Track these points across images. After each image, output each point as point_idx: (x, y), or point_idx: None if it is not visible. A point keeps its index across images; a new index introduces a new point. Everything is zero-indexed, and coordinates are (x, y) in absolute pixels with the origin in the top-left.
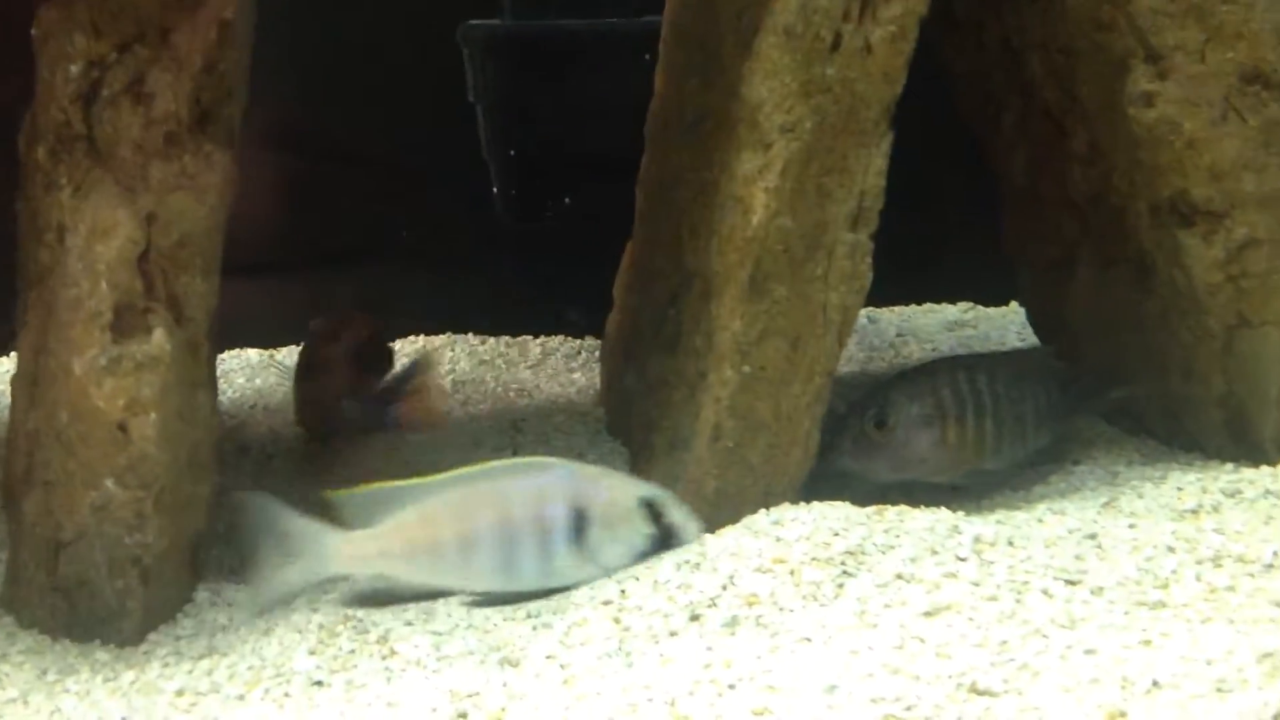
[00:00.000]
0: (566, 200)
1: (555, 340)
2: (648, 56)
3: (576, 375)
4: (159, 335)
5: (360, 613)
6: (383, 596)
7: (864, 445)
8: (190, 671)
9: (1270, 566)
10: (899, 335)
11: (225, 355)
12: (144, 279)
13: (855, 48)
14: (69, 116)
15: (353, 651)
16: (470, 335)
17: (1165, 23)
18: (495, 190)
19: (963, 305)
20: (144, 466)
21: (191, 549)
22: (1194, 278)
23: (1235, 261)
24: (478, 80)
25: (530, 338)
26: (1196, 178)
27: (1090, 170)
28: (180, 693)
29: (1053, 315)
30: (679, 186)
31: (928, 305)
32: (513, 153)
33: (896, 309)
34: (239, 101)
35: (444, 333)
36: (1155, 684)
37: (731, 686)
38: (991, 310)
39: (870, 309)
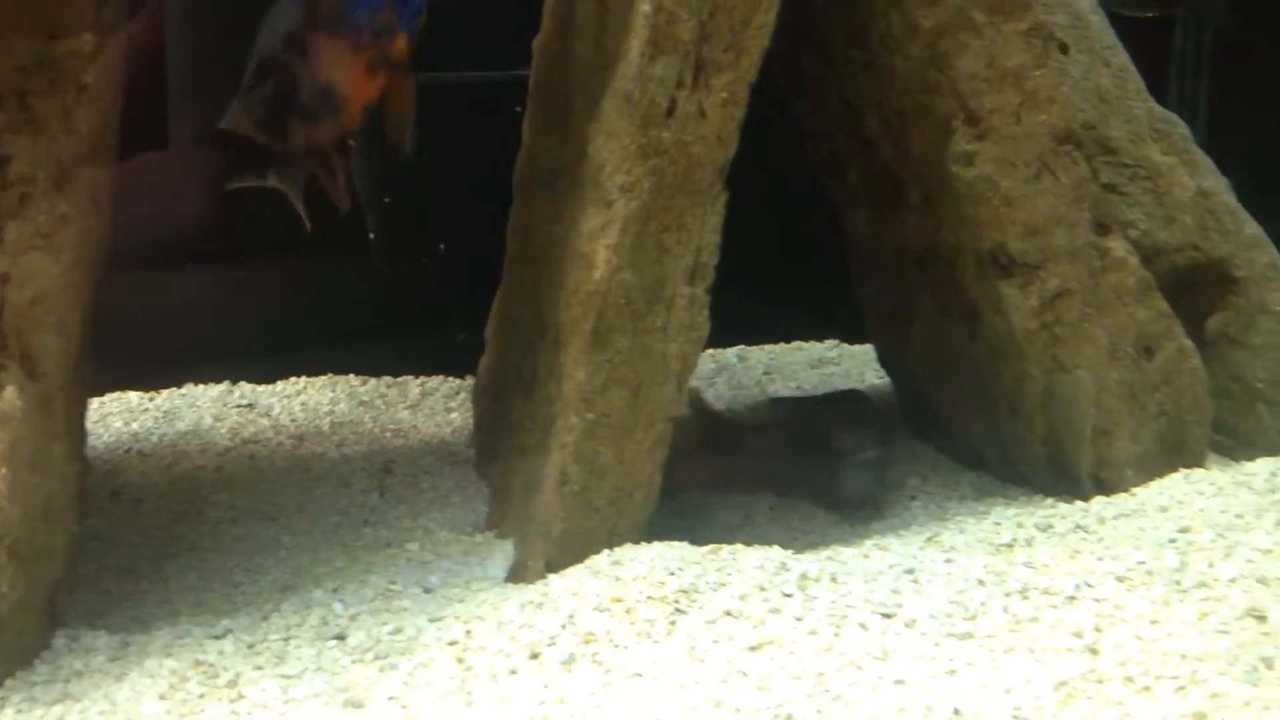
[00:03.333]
0: (441, 245)
1: (436, 380)
2: (517, 109)
3: (454, 415)
4: (9, 392)
5: (213, 657)
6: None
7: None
8: (43, 717)
9: (1072, 598)
10: (765, 373)
11: (106, 398)
12: None
13: (690, 113)
14: None
15: (202, 696)
16: (351, 376)
17: (983, 87)
18: (370, 236)
19: (829, 342)
20: None
21: (48, 597)
22: (1014, 325)
23: (1049, 310)
24: None
25: (411, 378)
26: (1013, 232)
27: (924, 223)
28: None
29: (897, 356)
30: (538, 237)
31: (796, 343)
32: (386, 199)
33: (766, 347)
34: (102, 159)
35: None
36: (956, 712)
37: None
38: (855, 348)
39: (741, 347)
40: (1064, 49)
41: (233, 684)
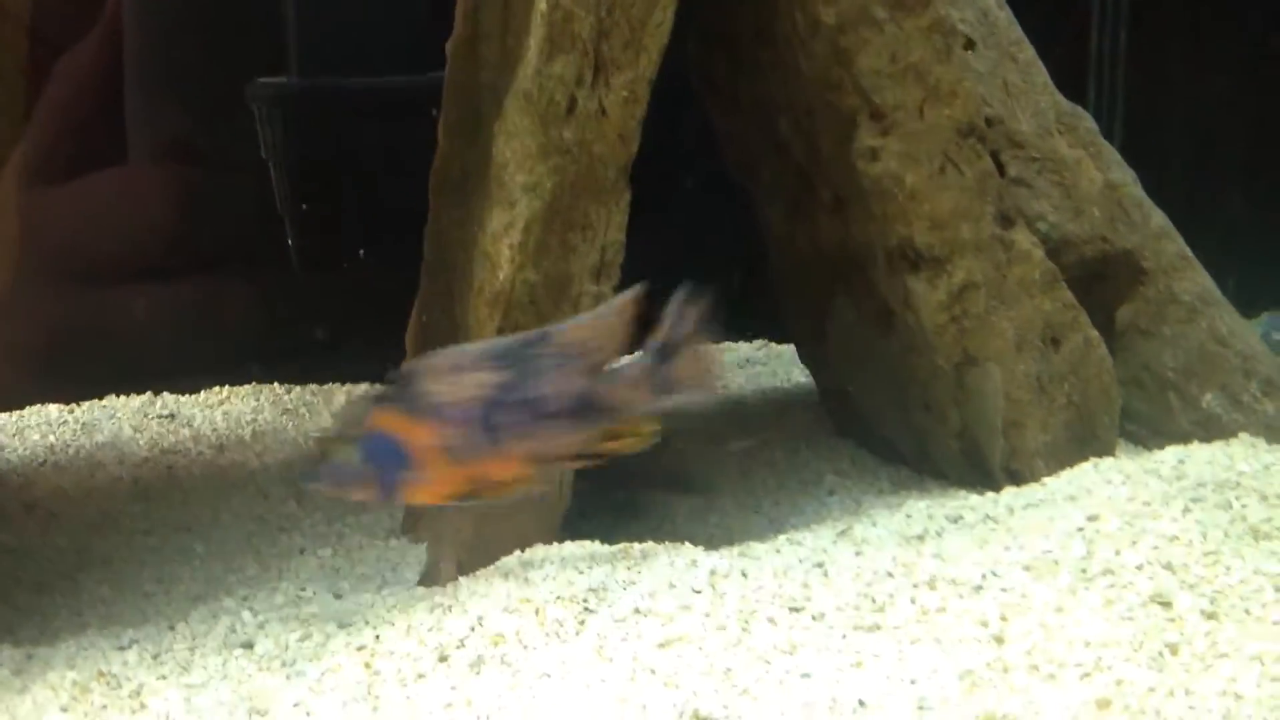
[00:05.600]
0: (360, 253)
1: (363, 387)
2: (434, 112)
3: None
4: None
5: (116, 668)
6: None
7: None
8: None
9: (979, 588)
10: None
11: (25, 411)
12: None
13: (590, 111)
14: None
15: (105, 707)
16: (276, 384)
17: (886, 83)
18: (290, 244)
19: (757, 343)
20: None
21: None
22: (923, 319)
23: (957, 303)
24: (267, 137)
25: (337, 385)
26: (919, 226)
27: (835, 220)
28: None
29: (817, 353)
30: (450, 241)
31: (726, 344)
32: (305, 207)
33: None
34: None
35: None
36: (861, 704)
37: None
38: (782, 347)
39: None
40: (969, 44)
41: (135, 694)
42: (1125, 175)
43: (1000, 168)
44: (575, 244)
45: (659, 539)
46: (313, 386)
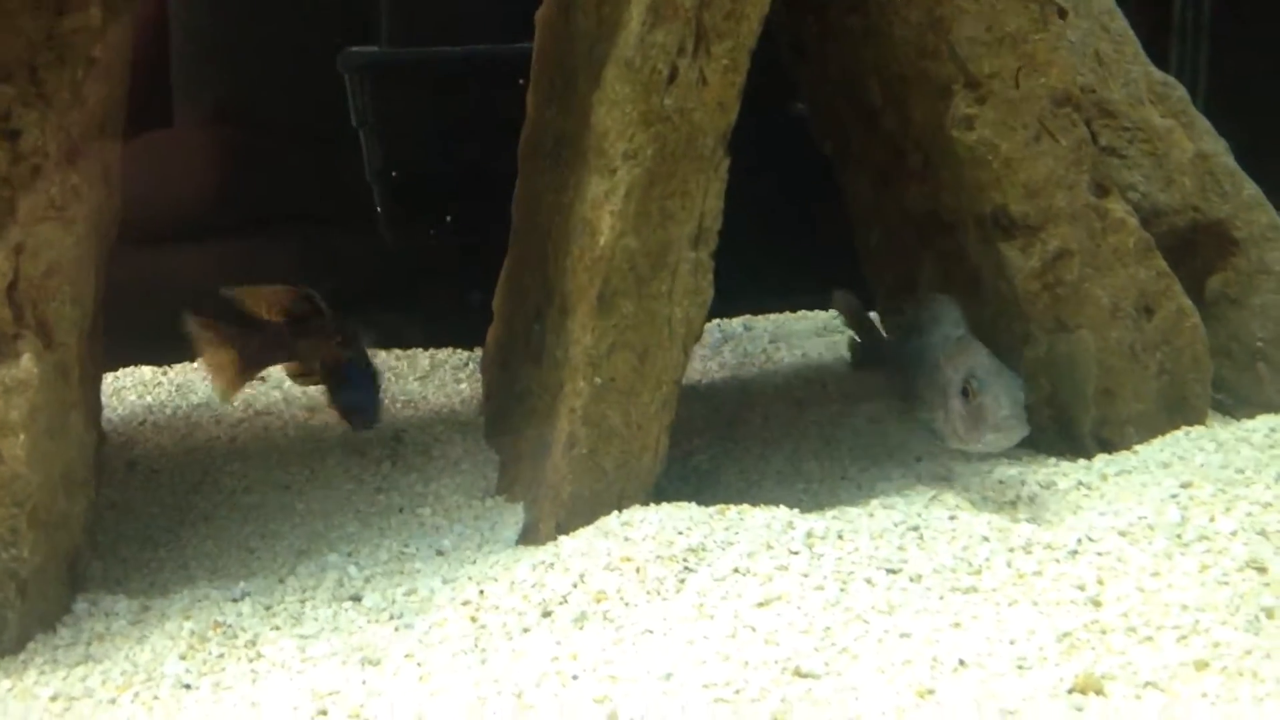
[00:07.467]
0: (448, 219)
1: (444, 352)
2: (521, 81)
3: (462, 386)
4: (26, 360)
5: (231, 619)
6: (256, 604)
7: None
8: (65, 678)
9: (1075, 552)
10: (771, 342)
11: (120, 372)
12: (13, 307)
13: (691, 80)
14: None
15: (221, 655)
16: None
17: (982, 51)
18: (379, 210)
19: (833, 311)
20: (16, 485)
21: (69, 563)
22: (1015, 286)
23: (1051, 271)
24: (358, 104)
25: (420, 350)
26: (1014, 194)
27: (925, 188)
28: (55, 698)
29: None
30: (543, 207)
31: (801, 312)
32: (394, 174)
33: (771, 316)
34: (112, 133)
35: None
36: (962, 663)
37: (575, 677)
38: None
39: (747, 317)
40: (1062, 13)
41: (251, 644)
42: (1217, 145)
43: (1092, 137)
44: (674, 211)
45: (751, 503)
46: (397, 351)
